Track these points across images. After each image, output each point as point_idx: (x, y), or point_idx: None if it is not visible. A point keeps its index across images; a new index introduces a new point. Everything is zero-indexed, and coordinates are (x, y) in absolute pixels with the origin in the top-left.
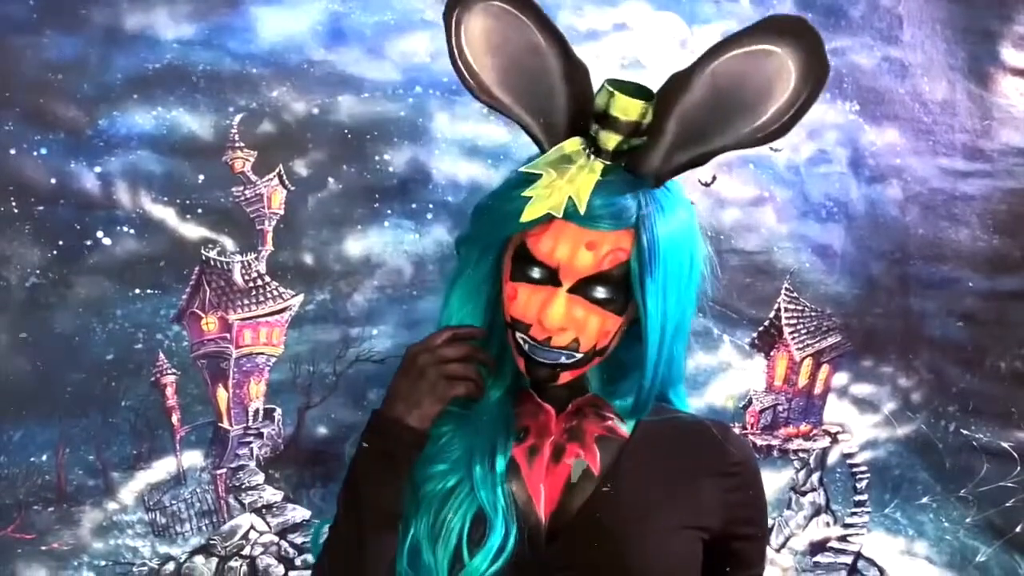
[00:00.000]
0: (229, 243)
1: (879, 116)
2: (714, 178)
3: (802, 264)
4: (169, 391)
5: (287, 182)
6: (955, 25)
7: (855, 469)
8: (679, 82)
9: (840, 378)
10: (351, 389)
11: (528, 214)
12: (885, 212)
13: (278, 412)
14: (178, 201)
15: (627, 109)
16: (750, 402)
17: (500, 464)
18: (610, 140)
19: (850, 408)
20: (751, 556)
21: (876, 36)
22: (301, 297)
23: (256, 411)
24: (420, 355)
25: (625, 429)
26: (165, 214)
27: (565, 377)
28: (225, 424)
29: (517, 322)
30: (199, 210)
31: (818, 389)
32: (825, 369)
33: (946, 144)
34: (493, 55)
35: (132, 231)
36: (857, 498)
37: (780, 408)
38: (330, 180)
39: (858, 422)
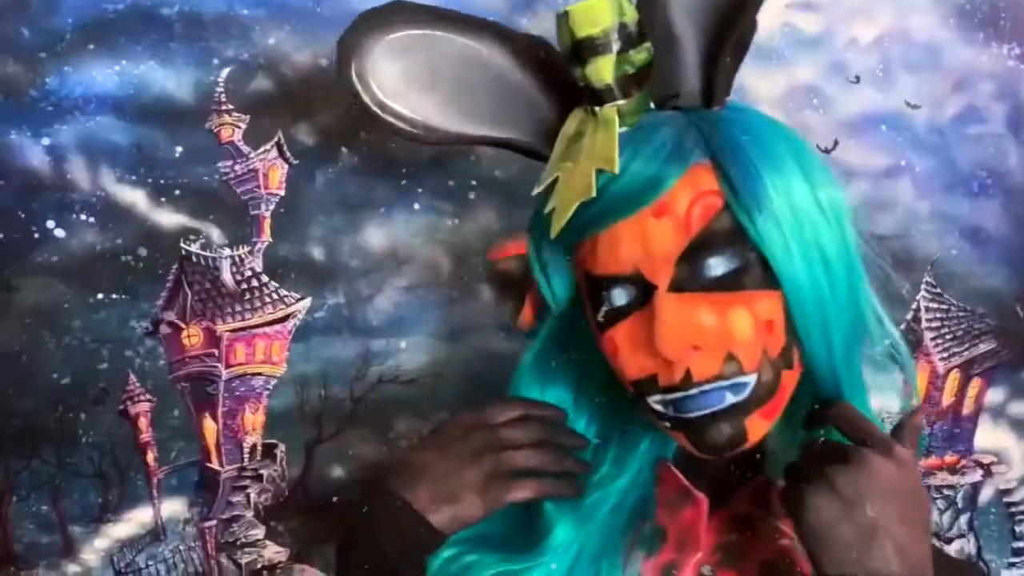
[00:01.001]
0: (216, 234)
1: None
2: (836, 143)
3: (948, 251)
4: (142, 422)
5: (288, 154)
6: None
7: (1013, 509)
8: None
9: (995, 395)
10: (373, 419)
11: (556, 224)
12: None
13: (281, 449)
14: (150, 181)
15: (593, 15)
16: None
17: None
18: (602, 67)
19: (1008, 433)
20: None
21: None
22: (308, 301)
23: (253, 447)
24: (474, 430)
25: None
26: (134, 197)
27: (755, 429)
28: (214, 464)
29: (642, 383)
30: (177, 192)
31: (967, 409)
32: (976, 384)
33: None
34: (425, 93)
35: (92, 219)
36: (1016, 545)
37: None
38: (343, 151)
39: (1017, 450)
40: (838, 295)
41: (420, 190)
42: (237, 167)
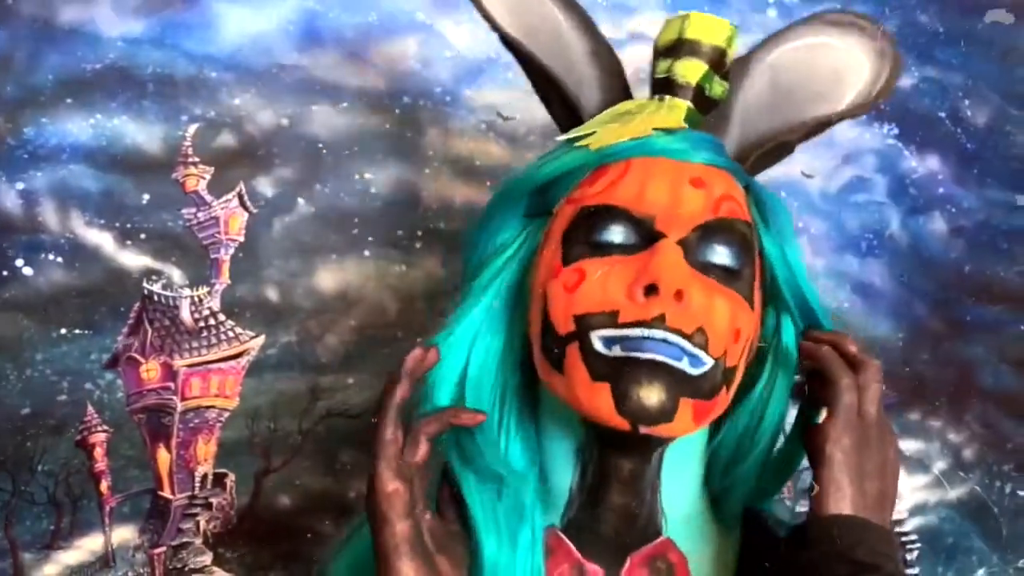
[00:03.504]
0: (176, 274)
1: (919, 141)
2: None
3: (841, 304)
4: (98, 452)
5: (248, 203)
6: (996, 44)
7: (904, 538)
8: (739, 66)
9: None
10: (320, 450)
11: (601, 139)
12: (929, 246)
13: (231, 478)
14: (117, 225)
15: (710, 30)
16: None
17: None
18: (694, 68)
19: None
20: None
21: (913, 54)
22: (262, 339)
23: (204, 476)
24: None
25: None
26: (101, 239)
27: (682, 418)
28: (166, 492)
29: (595, 316)
30: (142, 235)
31: None
32: None
33: (993, 173)
34: (510, 14)
35: (60, 259)
36: (910, 573)
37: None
38: (300, 201)
39: (906, 484)
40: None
41: (370, 238)
42: (200, 214)
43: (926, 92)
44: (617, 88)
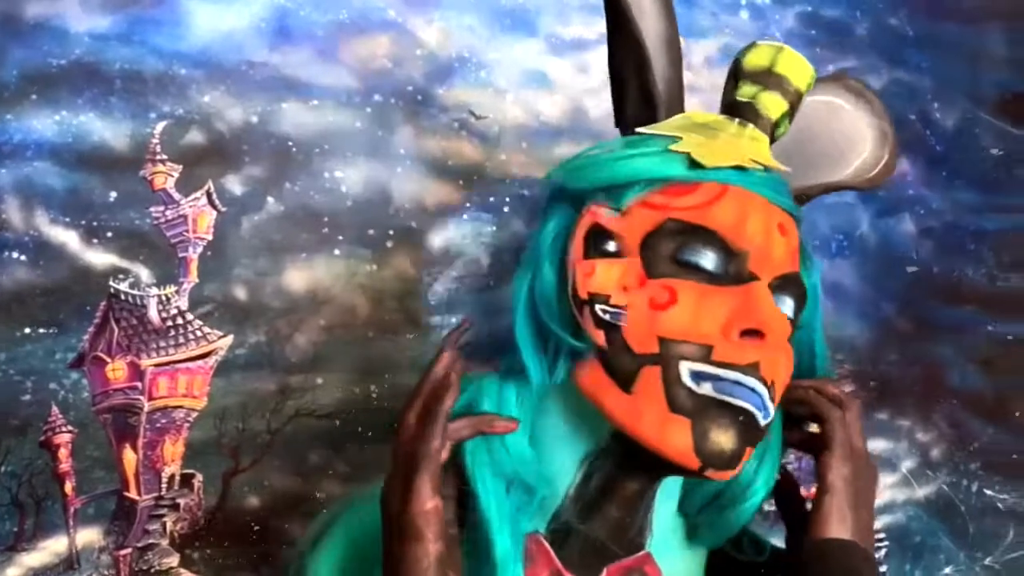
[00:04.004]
0: (144, 273)
1: None
2: None
3: None
4: (63, 453)
5: (217, 202)
6: (965, 49)
7: None
8: None
9: None
10: (289, 450)
11: (706, 155)
12: (897, 248)
13: (198, 479)
14: (83, 223)
15: (799, 70)
16: None
17: None
18: (778, 104)
19: None
20: None
21: (883, 57)
22: (230, 339)
23: (171, 477)
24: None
25: None
26: (67, 238)
27: (740, 465)
28: (132, 493)
29: (676, 344)
30: (109, 234)
31: None
32: None
33: (961, 175)
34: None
35: (24, 257)
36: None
37: (789, 468)
38: (269, 200)
39: None
40: None
41: (340, 237)
42: (168, 212)
43: (895, 95)
44: (676, 85)
